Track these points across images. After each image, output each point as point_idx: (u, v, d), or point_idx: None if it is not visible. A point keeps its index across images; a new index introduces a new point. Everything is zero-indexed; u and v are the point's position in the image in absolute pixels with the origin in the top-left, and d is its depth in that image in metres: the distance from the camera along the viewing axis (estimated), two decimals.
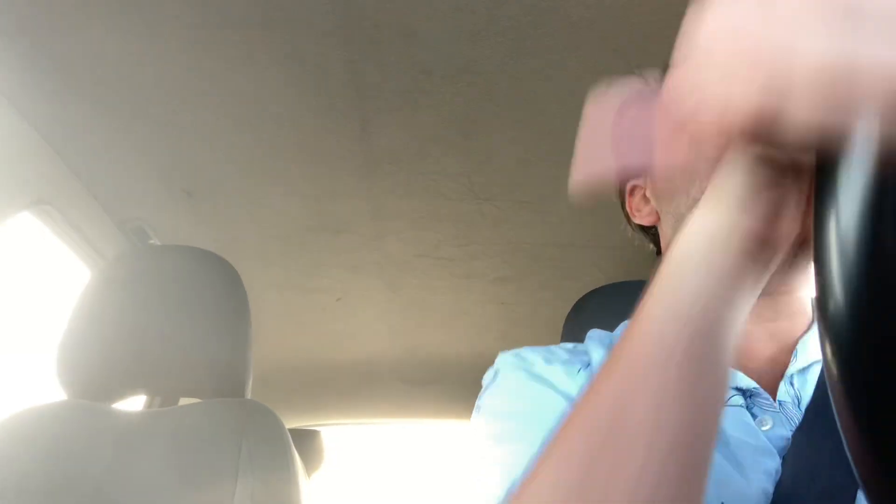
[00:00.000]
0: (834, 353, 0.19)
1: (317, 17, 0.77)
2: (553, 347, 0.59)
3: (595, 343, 0.59)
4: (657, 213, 0.62)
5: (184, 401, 1.00)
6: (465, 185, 1.08)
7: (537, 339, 1.53)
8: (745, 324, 0.52)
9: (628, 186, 0.67)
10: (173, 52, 0.82)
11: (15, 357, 1.26)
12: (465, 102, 0.90)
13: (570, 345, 0.61)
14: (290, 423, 1.69)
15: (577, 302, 0.95)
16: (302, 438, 1.73)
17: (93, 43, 0.81)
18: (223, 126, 0.95)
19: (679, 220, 0.56)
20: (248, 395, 0.97)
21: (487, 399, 0.54)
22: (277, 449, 0.86)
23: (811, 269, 0.55)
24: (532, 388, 0.51)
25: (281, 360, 1.59)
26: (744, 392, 0.49)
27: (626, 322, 0.62)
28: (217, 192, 1.11)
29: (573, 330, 0.96)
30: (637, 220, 0.65)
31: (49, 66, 0.84)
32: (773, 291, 0.52)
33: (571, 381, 0.51)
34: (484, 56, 0.82)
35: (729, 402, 0.48)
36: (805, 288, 0.53)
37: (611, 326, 0.64)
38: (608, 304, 0.91)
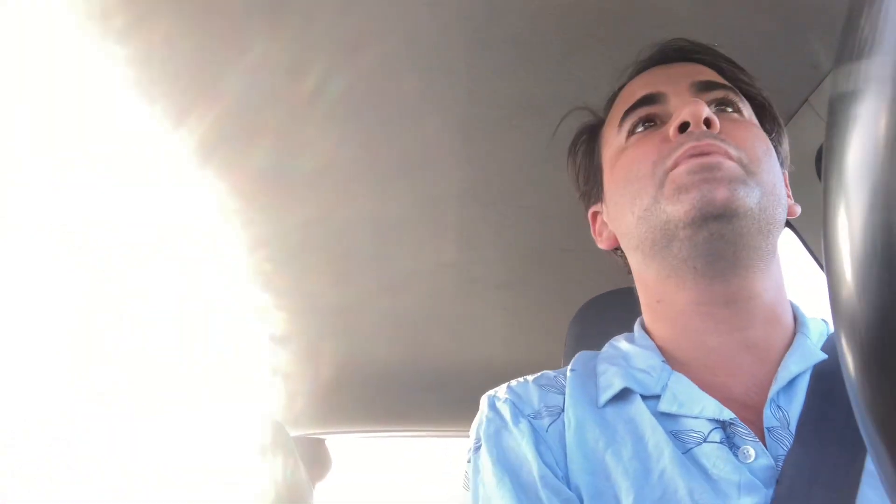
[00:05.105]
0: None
1: (319, 26, 0.77)
2: (528, 391, 0.59)
3: (576, 381, 0.58)
4: (615, 236, 0.63)
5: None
6: (466, 191, 1.08)
7: (541, 345, 1.52)
8: (716, 336, 0.53)
9: (590, 212, 0.69)
10: (175, 62, 0.82)
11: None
12: (467, 108, 0.90)
13: (551, 374, 0.61)
14: (294, 431, 1.68)
15: (580, 307, 0.95)
16: (306, 447, 1.72)
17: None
18: (224, 133, 0.95)
19: (630, 238, 0.58)
20: (252, 403, 0.96)
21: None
22: (281, 457, 0.86)
23: (772, 272, 0.57)
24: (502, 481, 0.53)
25: (284, 367, 1.59)
26: (722, 424, 0.48)
27: (617, 337, 0.63)
28: None
29: (577, 335, 0.95)
30: (600, 245, 0.66)
31: None
32: (736, 298, 0.52)
33: (538, 444, 0.53)
34: (485, 62, 0.82)
35: (707, 439, 0.48)
36: (772, 291, 0.54)
37: (614, 332, 0.63)
38: (612, 310, 0.90)
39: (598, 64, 0.82)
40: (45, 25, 0.76)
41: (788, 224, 0.94)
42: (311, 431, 1.77)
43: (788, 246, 0.96)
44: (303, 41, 0.79)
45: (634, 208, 0.55)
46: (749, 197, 0.49)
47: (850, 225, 0.18)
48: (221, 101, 0.89)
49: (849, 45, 0.19)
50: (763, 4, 0.74)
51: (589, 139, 0.69)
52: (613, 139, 0.62)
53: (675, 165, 0.51)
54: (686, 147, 0.51)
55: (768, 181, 0.52)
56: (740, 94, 0.59)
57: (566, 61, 0.81)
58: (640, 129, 0.58)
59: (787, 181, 0.62)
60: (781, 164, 0.60)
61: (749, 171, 0.51)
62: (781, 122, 0.63)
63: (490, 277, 1.31)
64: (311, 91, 0.87)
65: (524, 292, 1.36)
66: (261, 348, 1.20)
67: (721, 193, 0.48)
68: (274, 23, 0.76)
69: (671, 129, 0.53)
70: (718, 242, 0.50)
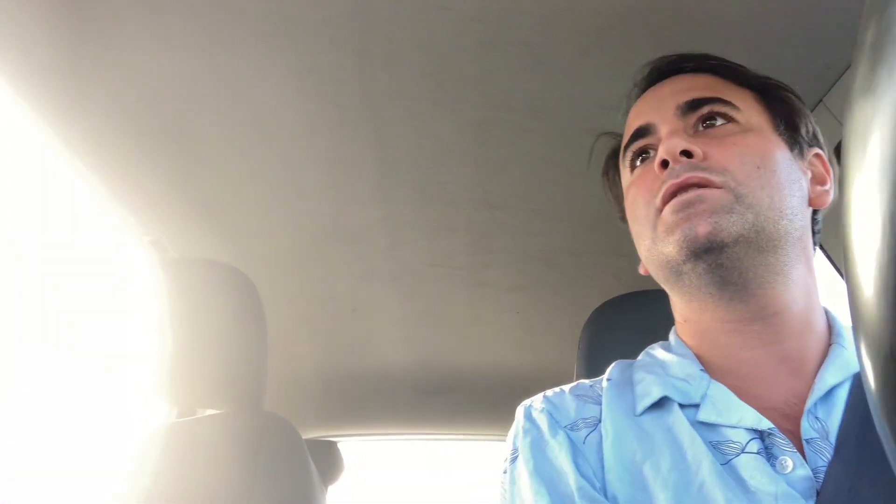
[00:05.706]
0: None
1: (333, 30, 0.77)
2: (565, 401, 0.58)
3: (613, 391, 0.57)
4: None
5: (200, 412, 1.00)
6: (478, 194, 1.08)
7: (554, 349, 1.51)
8: (748, 350, 0.52)
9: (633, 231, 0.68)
10: (190, 66, 0.83)
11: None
12: (479, 112, 0.90)
13: (587, 384, 0.60)
14: (306, 434, 1.69)
15: (593, 311, 0.94)
16: (318, 449, 1.73)
17: (113, 59, 0.82)
18: (238, 137, 0.96)
19: (650, 270, 0.59)
20: (264, 406, 0.97)
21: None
22: (294, 460, 0.86)
23: (796, 282, 0.55)
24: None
25: (296, 370, 1.60)
26: (761, 434, 0.48)
27: (653, 345, 0.62)
28: (232, 203, 1.12)
29: (591, 339, 0.95)
30: (640, 270, 0.65)
31: (69, 77, 0.85)
32: (762, 315, 0.51)
33: (576, 456, 0.52)
34: (497, 65, 0.82)
35: (745, 449, 0.47)
36: (801, 302, 0.52)
37: (628, 337, 0.63)
38: (626, 314, 0.90)
39: (611, 67, 0.81)
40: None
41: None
42: (324, 434, 1.77)
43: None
44: (315, 46, 0.79)
45: (641, 248, 0.58)
46: (735, 225, 0.49)
47: (870, 226, 0.17)
48: (235, 105, 0.90)
49: (867, 42, 0.19)
50: (776, 5, 0.73)
51: (613, 165, 0.70)
52: (622, 171, 0.64)
53: (663, 205, 0.53)
54: (667, 185, 0.52)
55: (763, 197, 0.51)
56: (732, 99, 0.57)
57: (578, 64, 0.81)
58: (638, 162, 0.61)
59: (825, 160, 0.59)
60: (805, 147, 0.58)
61: (738, 194, 0.50)
62: (795, 100, 0.60)
63: (502, 280, 1.31)
64: (324, 95, 0.88)
65: (536, 295, 1.36)
66: (272, 351, 1.21)
67: (702, 228, 0.49)
68: (287, 28, 0.77)
69: (655, 166, 0.55)
70: (719, 270, 0.50)
